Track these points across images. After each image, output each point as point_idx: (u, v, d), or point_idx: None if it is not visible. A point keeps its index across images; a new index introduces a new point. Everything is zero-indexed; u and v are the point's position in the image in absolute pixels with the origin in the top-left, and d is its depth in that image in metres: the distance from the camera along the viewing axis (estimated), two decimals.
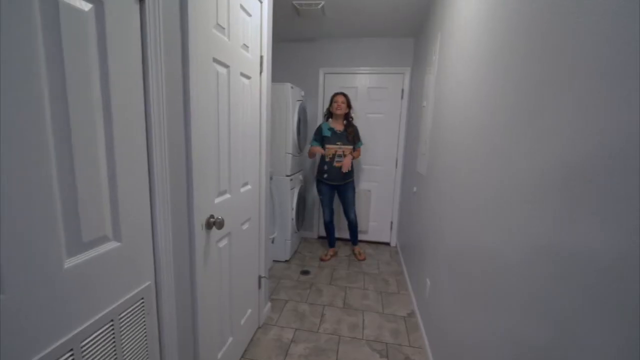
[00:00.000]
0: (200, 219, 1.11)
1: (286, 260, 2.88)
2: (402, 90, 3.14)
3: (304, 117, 3.04)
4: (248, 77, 1.48)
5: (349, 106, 2.76)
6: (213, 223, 1.17)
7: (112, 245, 0.75)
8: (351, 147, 2.75)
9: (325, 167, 2.78)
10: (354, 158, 2.78)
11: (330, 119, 2.83)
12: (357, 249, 3.07)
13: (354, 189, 2.93)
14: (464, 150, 1.30)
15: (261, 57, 1.60)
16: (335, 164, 2.73)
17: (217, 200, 1.24)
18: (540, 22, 0.77)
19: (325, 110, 2.90)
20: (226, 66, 1.24)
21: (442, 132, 1.71)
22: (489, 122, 1.05)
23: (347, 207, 2.91)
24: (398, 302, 2.26)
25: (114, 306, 0.76)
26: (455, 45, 1.57)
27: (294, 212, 2.87)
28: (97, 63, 0.68)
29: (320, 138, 2.79)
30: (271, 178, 2.25)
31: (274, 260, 2.84)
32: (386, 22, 2.73)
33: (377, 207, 3.38)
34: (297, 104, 2.82)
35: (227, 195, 1.34)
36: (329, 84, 3.27)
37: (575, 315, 0.58)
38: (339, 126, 2.77)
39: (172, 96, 0.92)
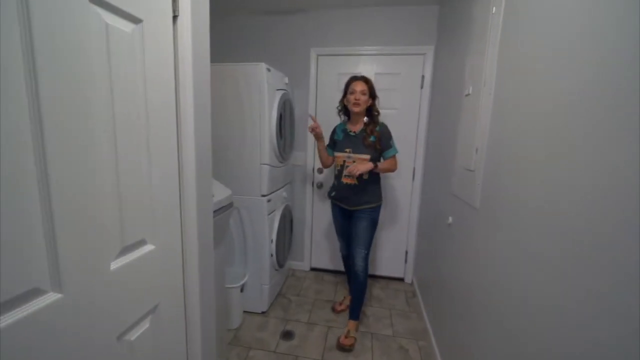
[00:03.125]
0: None
1: (263, 312, 2.08)
2: (422, 77, 2.33)
3: (289, 113, 2.24)
4: (134, 20, 0.68)
5: (372, 96, 1.79)
6: None
7: None
8: (367, 156, 1.77)
9: (335, 182, 1.95)
10: (374, 168, 1.76)
11: (349, 118, 1.91)
12: (351, 325, 1.86)
13: (373, 221, 1.87)
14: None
15: None
16: (343, 180, 1.85)
17: None
18: None
19: (338, 103, 1.91)
20: None
21: (524, 136, 0.90)
22: None
23: (351, 246, 1.89)
24: None
25: None
26: None
27: (273, 245, 2.06)
28: None
29: (333, 144, 1.95)
30: (230, 205, 1.45)
31: (244, 311, 2.04)
32: None
33: (387, 231, 2.58)
34: (278, 95, 2.02)
35: (52, 297, 0.54)
36: (324, 69, 2.46)
37: None
38: (355, 126, 1.85)
39: None
